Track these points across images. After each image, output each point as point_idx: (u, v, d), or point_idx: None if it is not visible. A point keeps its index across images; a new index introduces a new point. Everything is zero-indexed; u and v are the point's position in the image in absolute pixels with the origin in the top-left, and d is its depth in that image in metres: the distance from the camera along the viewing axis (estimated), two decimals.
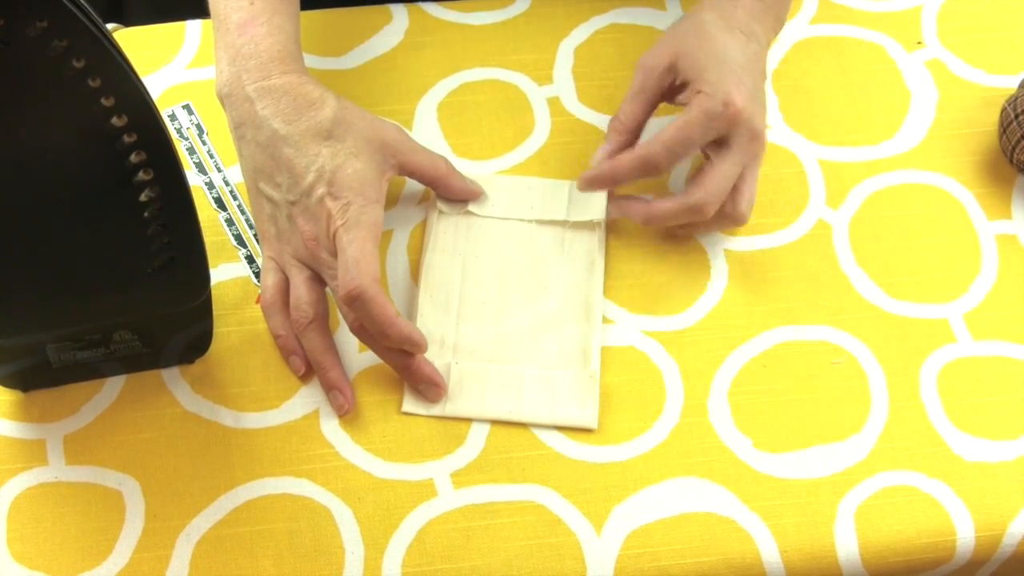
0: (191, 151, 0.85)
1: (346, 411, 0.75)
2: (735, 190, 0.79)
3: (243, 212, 0.83)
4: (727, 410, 0.77)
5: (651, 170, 0.78)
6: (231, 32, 0.77)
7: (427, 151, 0.80)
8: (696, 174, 0.79)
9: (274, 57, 0.76)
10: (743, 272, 0.82)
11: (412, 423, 0.76)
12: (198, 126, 0.86)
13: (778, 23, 0.83)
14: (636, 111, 0.81)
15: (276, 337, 0.77)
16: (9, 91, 0.59)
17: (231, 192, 0.84)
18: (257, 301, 0.80)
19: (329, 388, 0.76)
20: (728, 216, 0.79)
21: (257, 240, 0.82)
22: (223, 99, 0.78)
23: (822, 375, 0.78)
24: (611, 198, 0.82)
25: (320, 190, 0.74)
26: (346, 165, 0.75)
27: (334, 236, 0.74)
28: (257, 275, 0.81)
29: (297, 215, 0.75)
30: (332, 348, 0.76)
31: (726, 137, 0.77)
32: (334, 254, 0.74)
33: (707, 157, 0.79)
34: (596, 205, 0.82)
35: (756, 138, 0.77)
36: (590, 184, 0.81)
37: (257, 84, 0.76)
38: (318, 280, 0.77)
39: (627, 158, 0.78)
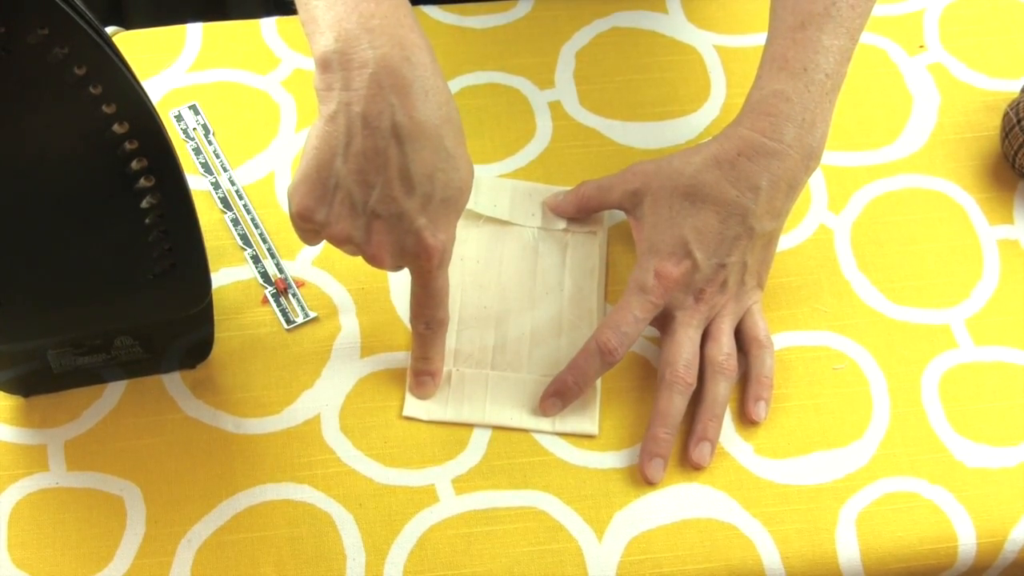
0: (197, 151, 0.85)
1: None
2: (703, 348, 0.76)
3: (249, 211, 0.83)
4: (728, 415, 0.77)
5: (607, 357, 0.75)
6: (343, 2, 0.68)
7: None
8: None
9: (402, 20, 0.68)
10: None
11: (413, 429, 0.76)
12: (204, 126, 0.86)
13: (807, 158, 0.75)
14: (593, 200, 0.81)
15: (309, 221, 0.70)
16: (10, 98, 0.59)
17: (237, 192, 0.84)
18: (263, 303, 0.80)
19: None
20: (708, 375, 0.76)
21: (263, 239, 0.82)
22: (329, 60, 0.67)
23: (823, 381, 0.78)
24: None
25: (421, 220, 0.69)
26: (449, 205, 0.70)
27: (426, 268, 0.71)
28: (263, 275, 0.81)
29: (378, 229, 0.70)
30: None
31: (670, 307, 0.76)
32: (403, 255, 0.71)
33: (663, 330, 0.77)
34: (597, 215, 0.82)
35: (701, 299, 0.75)
36: (553, 405, 0.77)
37: (382, 52, 0.66)
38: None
39: (581, 358, 0.75)
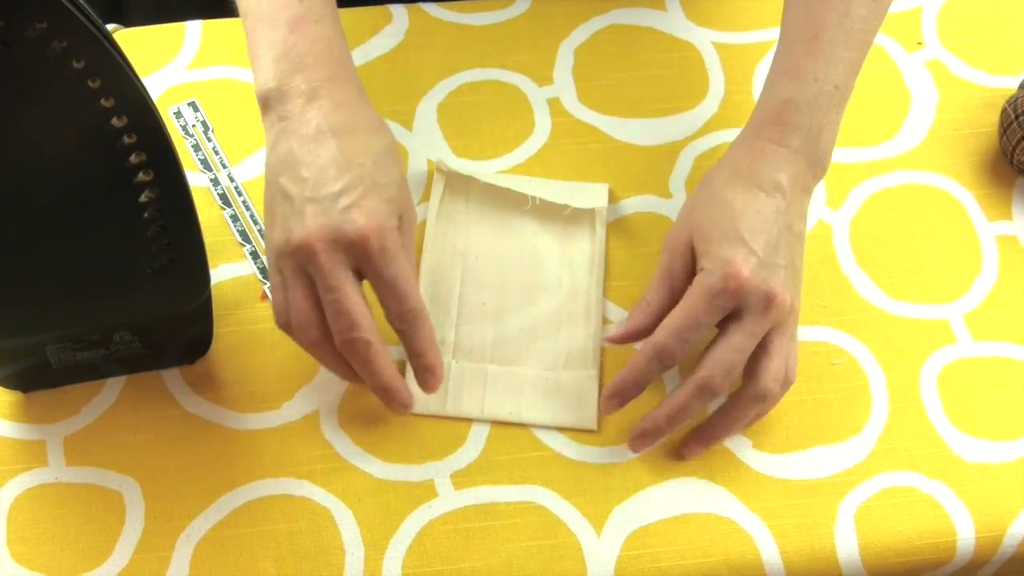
0: (196, 148, 0.85)
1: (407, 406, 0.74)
2: (756, 363, 0.72)
3: (248, 208, 0.83)
4: None
5: (666, 361, 0.71)
6: (279, 28, 0.73)
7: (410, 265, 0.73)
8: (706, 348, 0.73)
9: (334, 59, 0.73)
10: None
11: (412, 424, 0.76)
12: (204, 123, 0.86)
13: (814, 165, 0.75)
14: (662, 298, 0.75)
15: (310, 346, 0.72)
16: (9, 92, 0.59)
17: (236, 188, 0.84)
18: (262, 298, 0.80)
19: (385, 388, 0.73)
20: (749, 395, 0.72)
21: (262, 235, 0.82)
22: (268, 96, 0.72)
23: (822, 376, 0.78)
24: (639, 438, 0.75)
25: (350, 199, 0.69)
26: (381, 191, 0.71)
27: (366, 254, 0.70)
28: (262, 271, 0.81)
29: (312, 212, 0.70)
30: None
31: (738, 309, 0.71)
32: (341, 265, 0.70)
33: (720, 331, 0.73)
34: (599, 195, 0.83)
35: (771, 305, 0.71)
36: (614, 405, 0.74)
37: (314, 85, 0.72)
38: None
39: (640, 360, 0.72)
